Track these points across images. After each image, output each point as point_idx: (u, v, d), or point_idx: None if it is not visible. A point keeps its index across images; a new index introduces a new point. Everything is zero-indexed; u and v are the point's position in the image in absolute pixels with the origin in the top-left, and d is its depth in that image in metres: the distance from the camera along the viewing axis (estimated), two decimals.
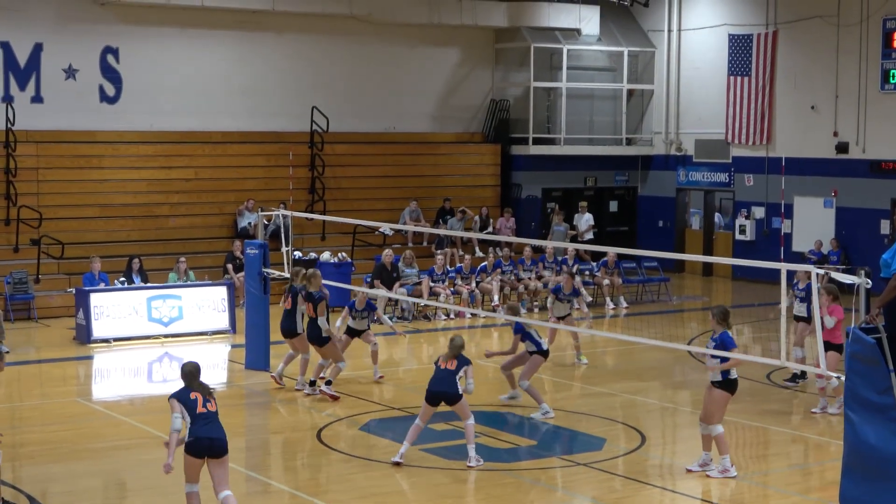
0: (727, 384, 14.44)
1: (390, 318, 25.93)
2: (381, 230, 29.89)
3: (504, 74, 35.27)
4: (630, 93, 36.20)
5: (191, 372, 11.80)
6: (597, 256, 29.71)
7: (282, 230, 21.77)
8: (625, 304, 28.74)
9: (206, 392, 11.71)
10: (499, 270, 28.02)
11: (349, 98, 32.51)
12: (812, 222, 31.82)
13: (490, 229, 31.69)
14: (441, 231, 29.20)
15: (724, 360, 14.27)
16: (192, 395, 11.61)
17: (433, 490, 13.80)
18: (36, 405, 18.22)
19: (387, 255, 26.38)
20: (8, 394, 19.37)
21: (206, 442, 11.47)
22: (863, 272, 11.28)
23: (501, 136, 34.63)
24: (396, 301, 26.10)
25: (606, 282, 28.72)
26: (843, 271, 16.38)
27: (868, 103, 30.58)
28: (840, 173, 31.30)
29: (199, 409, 11.49)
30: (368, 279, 26.24)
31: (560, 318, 21.08)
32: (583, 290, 23.71)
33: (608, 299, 28.62)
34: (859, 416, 11.04)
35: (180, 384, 11.87)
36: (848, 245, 30.75)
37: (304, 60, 31.98)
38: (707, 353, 14.44)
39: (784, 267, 13.32)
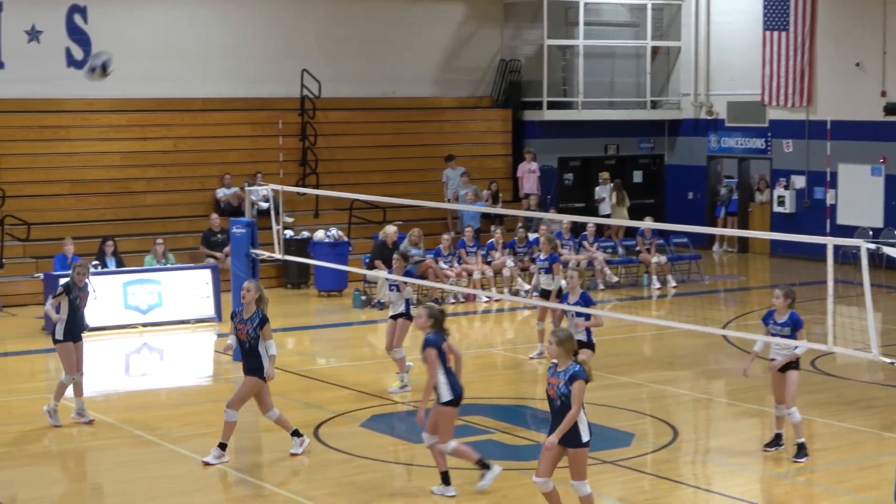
0: (798, 363, 14.87)
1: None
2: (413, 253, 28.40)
3: (514, 32, 35.17)
4: (655, 50, 36.09)
5: None
6: (579, 230, 29.30)
7: (270, 207, 21.73)
8: (673, 284, 28.69)
9: None
10: (511, 250, 28.01)
11: (343, 60, 32.43)
12: (858, 192, 31.76)
13: (500, 205, 31.68)
14: (468, 207, 28.92)
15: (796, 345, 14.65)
16: None
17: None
18: (1, 402, 18.21)
19: (392, 231, 26.04)
20: None
21: None
22: None
23: (512, 101, 34.56)
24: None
25: (656, 259, 28.68)
26: None
27: None
28: (889, 137, 31.21)
29: None
30: (367, 260, 26.18)
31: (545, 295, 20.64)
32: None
33: (654, 278, 28.59)
34: None
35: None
36: None
37: (294, 18, 31.91)
38: (778, 341, 14.66)
39: (830, 241, 13.28)
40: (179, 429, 16.64)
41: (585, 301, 16.69)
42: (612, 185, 32.96)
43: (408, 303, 18.65)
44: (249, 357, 14.78)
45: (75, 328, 16.87)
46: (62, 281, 17.94)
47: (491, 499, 13.58)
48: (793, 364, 14.79)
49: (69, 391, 16.83)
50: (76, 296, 16.93)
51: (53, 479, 14.62)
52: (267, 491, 13.99)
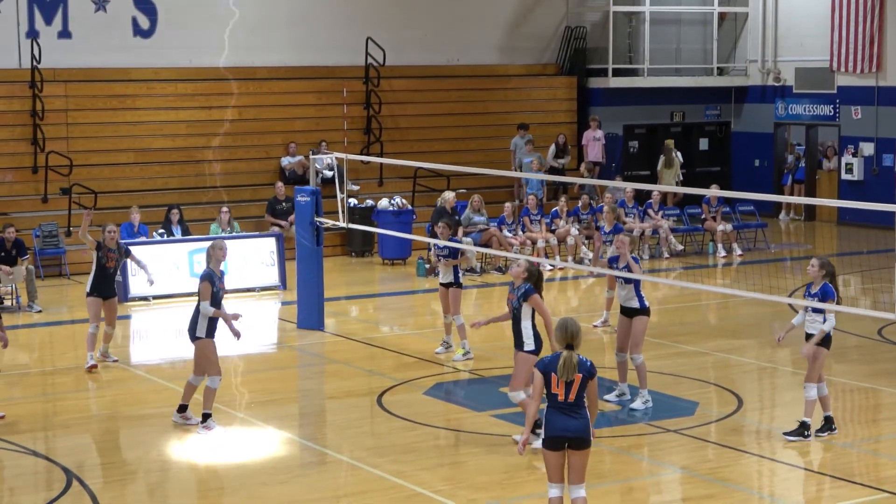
0: (826, 341, 14.40)
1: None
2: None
3: None
4: (722, 16, 35.78)
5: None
6: (643, 198, 29.26)
7: (335, 175, 21.79)
8: (739, 252, 28.55)
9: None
10: (575, 218, 27.97)
11: (408, 28, 32.40)
12: None
13: (567, 158, 31.56)
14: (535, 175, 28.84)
15: (825, 318, 14.22)
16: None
17: (505, 460, 13.81)
18: (70, 369, 18.43)
19: (450, 198, 26.08)
20: (40, 357, 19.66)
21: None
22: None
23: (577, 68, 34.41)
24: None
25: (722, 227, 28.53)
26: None
27: None
28: None
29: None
30: (429, 228, 26.21)
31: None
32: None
33: (720, 246, 28.46)
34: None
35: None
36: None
37: None
38: (807, 306, 14.31)
39: None
40: (244, 396, 16.78)
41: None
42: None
43: (456, 270, 18.76)
44: None
45: (103, 286, 18.04)
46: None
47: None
48: (820, 342, 14.35)
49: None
50: (104, 255, 17.99)
51: (120, 445, 14.80)
52: (330, 458, 14.10)
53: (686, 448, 14.29)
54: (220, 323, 15.08)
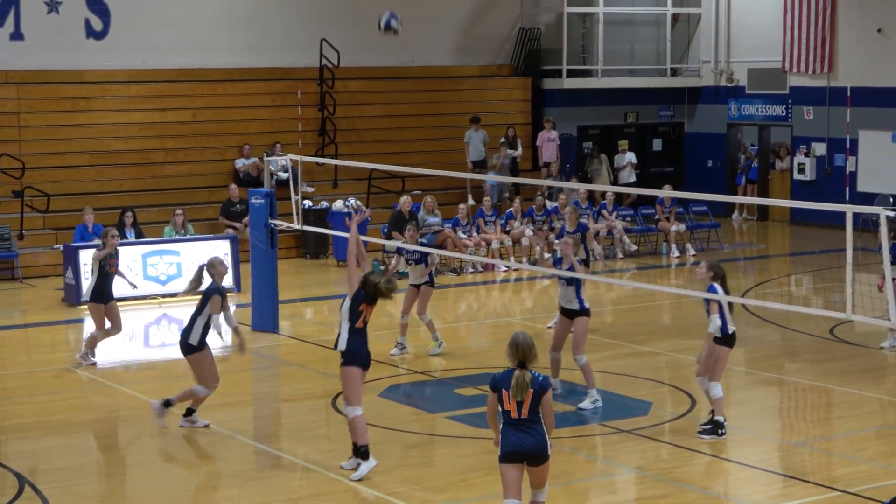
0: (727, 340, 14.67)
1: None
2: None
3: None
4: (675, 17, 35.93)
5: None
6: (597, 200, 29.50)
7: (290, 177, 21.76)
8: (692, 252, 28.68)
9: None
10: (530, 219, 28.01)
11: (362, 29, 32.19)
12: (879, 159, 31.62)
13: (519, 151, 31.54)
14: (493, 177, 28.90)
15: (722, 315, 14.46)
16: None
17: (460, 462, 13.84)
18: (23, 374, 18.34)
19: (404, 201, 26.30)
20: None
21: None
22: None
23: (532, 69, 34.48)
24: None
25: (675, 227, 28.64)
26: None
27: None
28: None
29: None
30: (385, 230, 26.25)
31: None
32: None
33: (673, 246, 28.58)
34: None
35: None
36: None
37: None
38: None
39: (849, 209, 13.25)
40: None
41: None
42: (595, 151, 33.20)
43: (431, 274, 18.97)
44: None
45: (104, 290, 18.10)
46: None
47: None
48: (718, 339, 14.58)
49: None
50: (106, 262, 18.12)
51: (74, 450, 14.71)
52: (285, 461, 14.07)
53: (640, 448, 14.34)
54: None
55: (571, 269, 16.10)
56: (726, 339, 14.66)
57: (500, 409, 10.68)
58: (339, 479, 13.21)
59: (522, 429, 10.55)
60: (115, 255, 18.30)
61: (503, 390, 10.57)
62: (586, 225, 20.62)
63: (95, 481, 13.57)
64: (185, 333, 14.88)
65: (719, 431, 14.56)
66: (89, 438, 15.07)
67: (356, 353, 13.50)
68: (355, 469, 13.28)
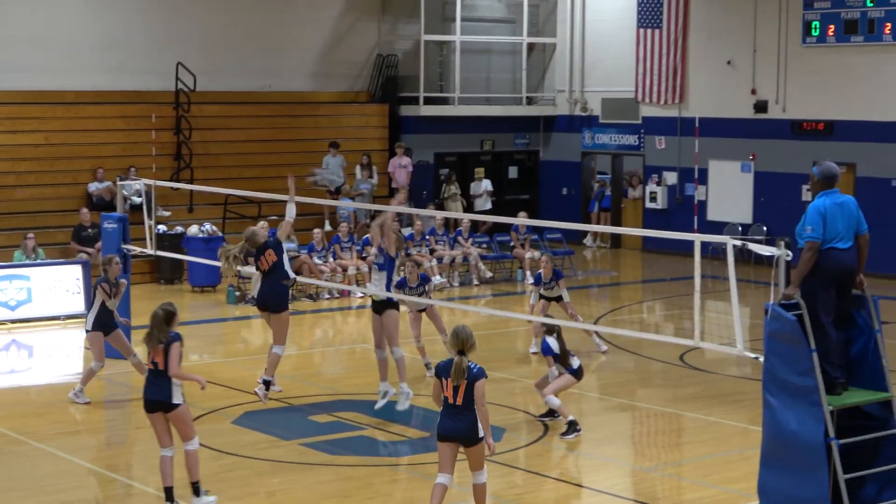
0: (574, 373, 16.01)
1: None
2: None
3: (392, 26, 35.15)
4: (531, 47, 36.30)
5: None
6: (454, 226, 29.78)
7: (144, 201, 21.47)
8: None
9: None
10: None
11: (219, 53, 32.16)
12: (728, 189, 32.23)
13: (374, 179, 31.61)
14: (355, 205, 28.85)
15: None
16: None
17: (315, 489, 13.76)
18: None
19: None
20: None
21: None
22: (782, 243, 11.43)
23: (389, 96, 34.55)
24: None
25: (530, 254, 28.82)
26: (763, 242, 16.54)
27: (789, 58, 31.00)
28: (758, 135, 31.72)
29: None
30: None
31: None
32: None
33: (528, 273, 28.73)
34: (779, 401, 11.21)
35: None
36: (767, 213, 31.23)
37: (169, 11, 31.54)
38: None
39: (698, 238, 13.44)
40: (48, 427, 16.39)
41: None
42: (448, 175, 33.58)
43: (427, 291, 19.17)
44: None
45: (105, 320, 17.48)
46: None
47: (361, 496, 13.58)
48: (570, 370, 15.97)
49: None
50: (111, 289, 17.59)
51: None
52: (136, 490, 13.84)
53: (493, 474, 14.32)
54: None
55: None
56: (574, 372, 15.82)
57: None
58: None
59: (455, 413, 11.67)
60: (115, 284, 17.61)
61: (443, 378, 11.71)
62: (560, 273, 20.66)
63: None
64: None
65: (576, 428, 15.60)
66: None
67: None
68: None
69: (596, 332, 21.00)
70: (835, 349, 11.51)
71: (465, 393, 11.60)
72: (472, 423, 11.64)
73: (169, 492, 12.86)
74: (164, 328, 12.79)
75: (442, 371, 11.77)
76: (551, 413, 16.18)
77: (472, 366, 11.65)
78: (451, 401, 11.67)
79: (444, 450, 11.84)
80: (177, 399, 12.94)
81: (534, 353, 20.74)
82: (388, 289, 16.42)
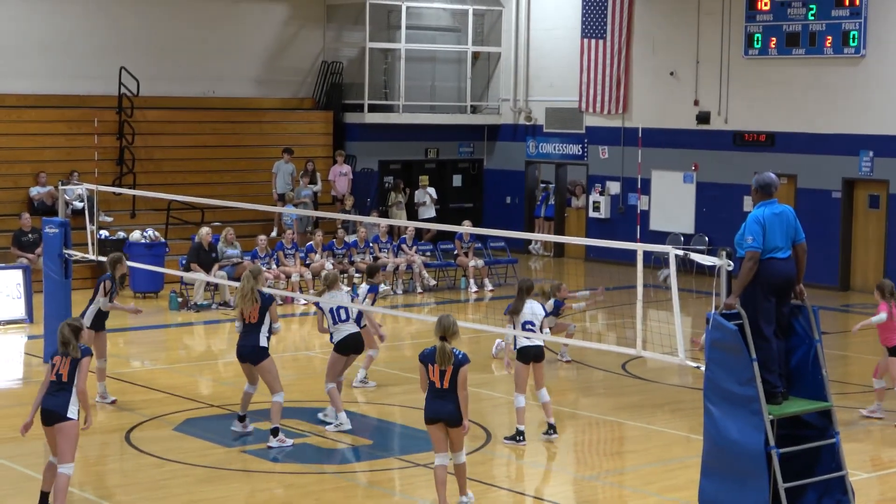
0: (521, 355, 15.93)
1: (210, 305, 25.73)
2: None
3: (337, 33, 35.12)
4: (475, 56, 36.37)
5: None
6: (398, 234, 29.87)
7: (85, 206, 21.31)
8: (490, 287, 28.96)
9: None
10: (330, 252, 28.00)
11: (162, 58, 32.00)
12: (671, 199, 32.41)
13: (318, 186, 31.58)
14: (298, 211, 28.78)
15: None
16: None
17: (257, 496, 13.72)
18: None
19: (205, 233, 26.07)
20: None
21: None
22: (724, 253, 11.52)
23: (334, 103, 34.50)
24: (216, 286, 25.84)
25: (474, 263, 28.87)
26: (705, 252, 16.65)
27: (731, 70, 31.22)
28: (701, 145, 31.92)
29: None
30: (184, 262, 25.93)
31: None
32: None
33: (472, 281, 28.77)
34: (720, 410, 11.30)
35: None
36: (709, 223, 31.43)
37: (112, 15, 31.37)
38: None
39: (640, 248, 13.51)
40: None
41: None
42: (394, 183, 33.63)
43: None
44: None
45: (100, 320, 17.59)
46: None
47: (306, 501, 13.55)
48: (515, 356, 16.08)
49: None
50: (115, 290, 17.70)
51: None
52: (76, 496, 13.73)
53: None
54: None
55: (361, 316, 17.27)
56: (520, 354, 15.89)
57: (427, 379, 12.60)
58: None
59: (441, 396, 12.53)
60: (120, 283, 17.81)
61: (429, 364, 12.57)
62: (561, 303, 20.63)
63: None
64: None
65: (517, 438, 15.77)
66: None
67: None
68: None
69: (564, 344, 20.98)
70: (775, 358, 11.63)
71: (451, 377, 12.48)
72: (458, 405, 12.53)
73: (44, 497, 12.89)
74: (74, 342, 12.61)
75: (427, 357, 12.62)
76: (515, 436, 15.90)
77: (456, 352, 12.54)
78: (437, 385, 12.53)
79: (434, 432, 12.66)
80: (72, 414, 12.68)
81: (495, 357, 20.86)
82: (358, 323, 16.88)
